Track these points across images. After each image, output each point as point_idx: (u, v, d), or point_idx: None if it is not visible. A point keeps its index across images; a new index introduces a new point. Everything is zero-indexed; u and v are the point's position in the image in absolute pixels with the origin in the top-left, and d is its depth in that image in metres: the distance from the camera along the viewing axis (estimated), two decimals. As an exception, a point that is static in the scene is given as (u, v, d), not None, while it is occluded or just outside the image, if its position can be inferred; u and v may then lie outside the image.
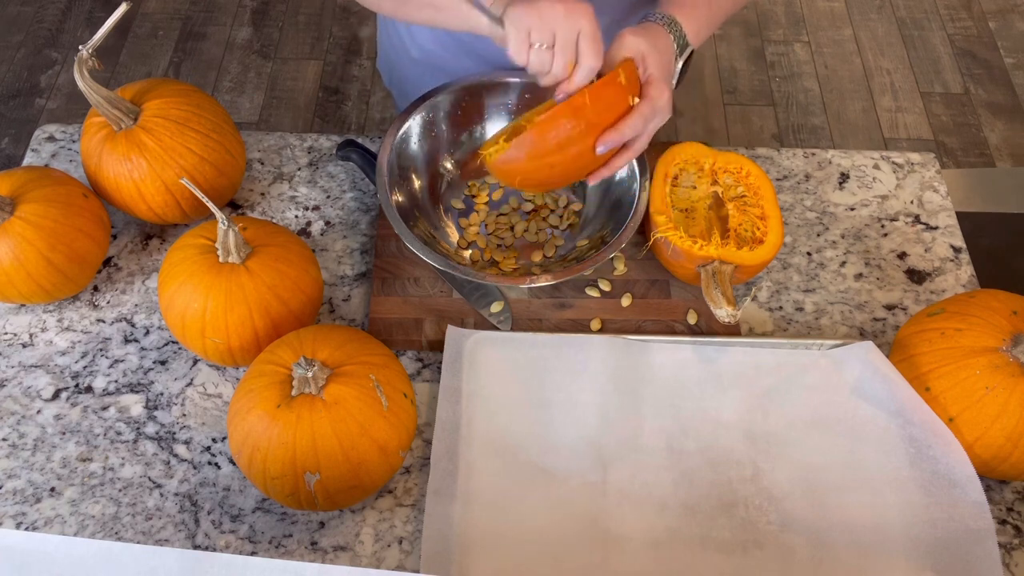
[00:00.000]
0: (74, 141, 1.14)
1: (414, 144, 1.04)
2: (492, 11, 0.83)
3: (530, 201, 1.07)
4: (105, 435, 0.90)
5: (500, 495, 0.85)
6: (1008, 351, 0.83)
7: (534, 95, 1.06)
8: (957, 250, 1.06)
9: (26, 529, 0.84)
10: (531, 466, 0.87)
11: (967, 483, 0.83)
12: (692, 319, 0.97)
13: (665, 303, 0.99)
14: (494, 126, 1.08)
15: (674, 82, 0.92)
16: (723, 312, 0.90)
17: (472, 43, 1.11)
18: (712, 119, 2.41)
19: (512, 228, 1.05)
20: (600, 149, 0.85)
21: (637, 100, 0.85)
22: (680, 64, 0.93)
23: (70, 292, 0.96)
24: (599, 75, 0.85)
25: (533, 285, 0.93)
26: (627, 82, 0.84)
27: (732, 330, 0.97)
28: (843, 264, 1.04)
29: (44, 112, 2.40)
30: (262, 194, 1.10)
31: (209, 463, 0.88)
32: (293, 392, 0.78)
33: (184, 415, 0.91)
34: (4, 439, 0.90)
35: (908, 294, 1.02)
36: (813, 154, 1.15)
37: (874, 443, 0.88)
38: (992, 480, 0.88)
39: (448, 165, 1.08)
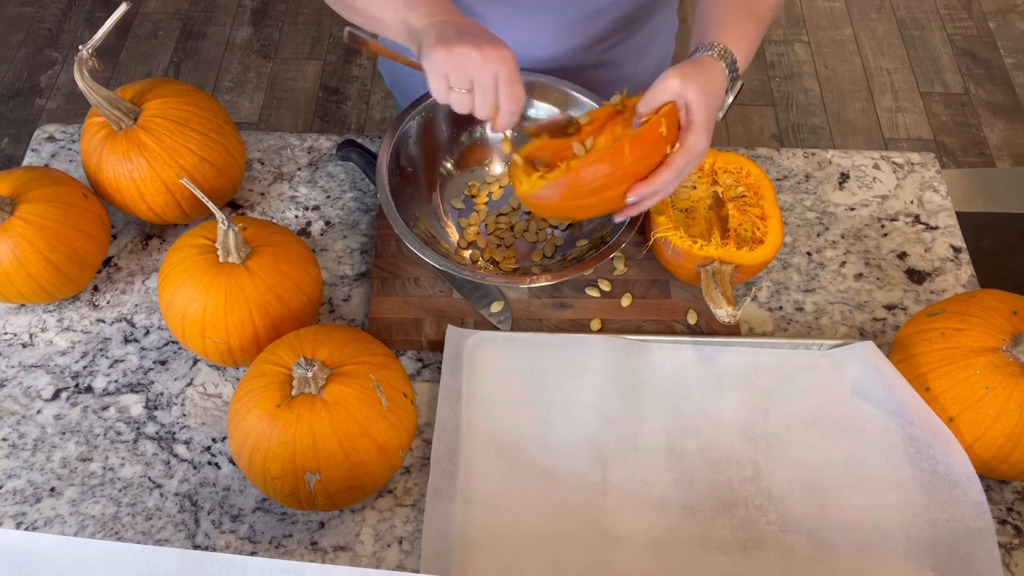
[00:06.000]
0: (74, 141, 1.14)
1: (414, 144, 1.04)
2: (412, 54, 0.84)
3: None
4: (105, 435, 0.90)
5: (500, 495, 0.85)
6: (1008, 351, 0.83)
7: (532, 95, 1.06)
8: (957, 250, 1.06)
9: (26, 529, 0.84)
10: (531, 466, 0.87)
11: (967, 483, 0.83)
12: (692, 319, 0.97)
13: (665, 303, 0.99)
14: (494, 126, 1.08)
15: (721, 115, 0.88)
16: (723, 312, 0.90)
17: None
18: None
19: (512, 228, 1.05)
20: (631, 199, 0.84)
21: (675, 148, 0.83)
22: (731, 98, 0.88)
23: (70, 292, 0.96)
24: (632, 113, 0.85)
25: (533, 285, 0.93)
26: (668, 131, 0.82)
27: (732, 330, 0.97)
28: (843, 264, 1.04)
29: (44, 112, 2.40)
30: (262, 194, 1.10)
31: (209, 463, 0.88)
32: (293, 392, 0.78)
33: (184, 415, 0.91)
34: (4, 439, 0.90)
35: (908, 294, 1.02)
36: (813, 154, 1.15)
37: (874, 443, 0.88)
38: (992, 480, 0.88)
39: (448, 165, 1.08)
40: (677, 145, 0.83)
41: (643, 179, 0.83)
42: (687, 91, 0.82)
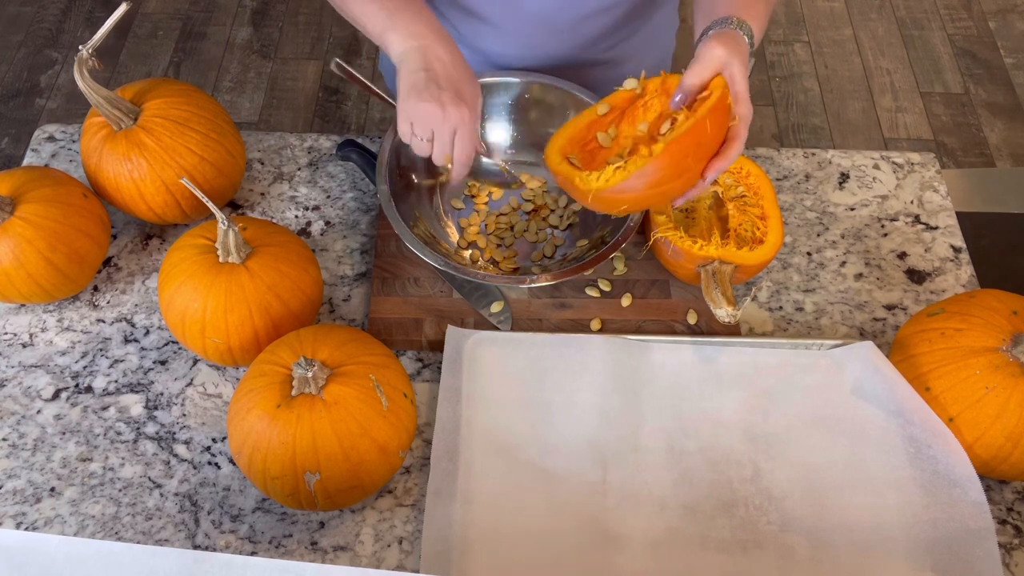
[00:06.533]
0: (74, 141, 1.14)
1: (414, 144, 1.03)
2: (389, 97, 0.96)
3: (530, 201, 1.07)
4: (105, 435, 0.90)
5: (500, 495, 0.85)
6: (1008, 351, 0.83)
7: (533, 95, 1.06)
8: (957, 250, 1.06)
9: (26, 529, 0.84)
10: (531, 466, 0.87)
11: (967, 483, 0.83)
12: (692, 319, 0.97)
13: (665, 303, 0.99)
14: (494, 125, 1.08)
15: None
16: (723, 312, 0.90)
17: (473, 39, 1.11)
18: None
19: (512, 228, 1.05)
20: (710, 177, 0.83)
21: (735, 120, 0.82)
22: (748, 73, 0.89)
23: (70, 292, 0.96)
24: (679, 88, 0.84)
25: (533, 285, 0.93)
26: (730, 102, 0.82)
27: (732, 330, 0.97)
28: (843, 264, 1.04)
29: (44, 112, 2.40)
30: (262, 194, 1.10)
31: (209, 463, 0.88)
32: (293, 392, 0.78)
33: (184, 415, 0.91)
34: (4, 439, 0.90)
35: (908, 294, 1.02)
36: (813, 154, 1.15)
37: (874, 443, 0.88)
38: (992, 480, 0.88)
39: (448, 165, 1.07)
40: (736, 118, 0.82)
41: (716, 155, 0.83)
42: (733, 61, 0.81)
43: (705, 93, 0.83)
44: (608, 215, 0.92)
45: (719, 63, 0.82)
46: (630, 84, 0.91)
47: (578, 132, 0.91)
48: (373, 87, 0.99)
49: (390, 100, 0.96)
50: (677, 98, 0.84)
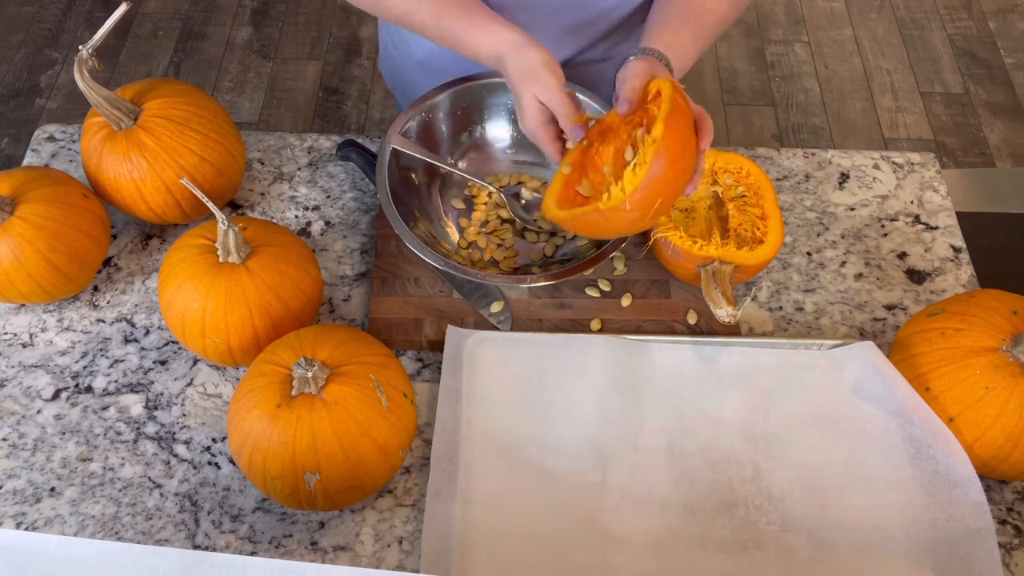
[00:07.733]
0: (74, 141, 1.14)
1: (414, 144, 1.03)
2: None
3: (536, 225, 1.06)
4: (105, 435, 0.90)
5: (500, 495, 0.85)
6: (1008, 351, 0.83)
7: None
8: (957, 250, 1.06)
9: (26, 529, 0.84)
10: (531, 466, 0.87)
11: (967, 483, 0.83)
12: (692, 319, 0.97)
13: (665, 303, 0.99)
14: (494, 126, 1.08)
15: None
16: (723, 312, 0.90)
17: None
18: (712, 119, 2.41)
19: (513, 227, 1.05)
20: (704, 146, 0.86)
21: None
22: None
23: (70, 292, 0.96)
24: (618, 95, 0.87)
25: (533, 285, 0.93)
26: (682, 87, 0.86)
27: (732, 330, 0.97)
28: (843, 264, 1.04)
29: (44, 112, 2.40)
30: (262, 194, 1.10)
31: (209, 463, 0.88)
32: (293, 392, 0.78)
33: (184, 415, 0.91)
34: (4, 439, 0.90)
35: (908, 294, 1.02)
36: (813, 154, 1.15)
37: (874, 443, 0.88)
38: (992, 480, 0.88)
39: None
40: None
41: (699, 132, 0.86)
42: (657, 70, 0.86)
43: (653, 94, 0.85)
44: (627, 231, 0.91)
45: (647, 73, 0.86)
46: (571, 144, 0.91)
47: (560, 193, 0.91)
48: (443, 164, 1.03)
49: (453, 170, 1.01)
50: (624, 107, 0.86)
